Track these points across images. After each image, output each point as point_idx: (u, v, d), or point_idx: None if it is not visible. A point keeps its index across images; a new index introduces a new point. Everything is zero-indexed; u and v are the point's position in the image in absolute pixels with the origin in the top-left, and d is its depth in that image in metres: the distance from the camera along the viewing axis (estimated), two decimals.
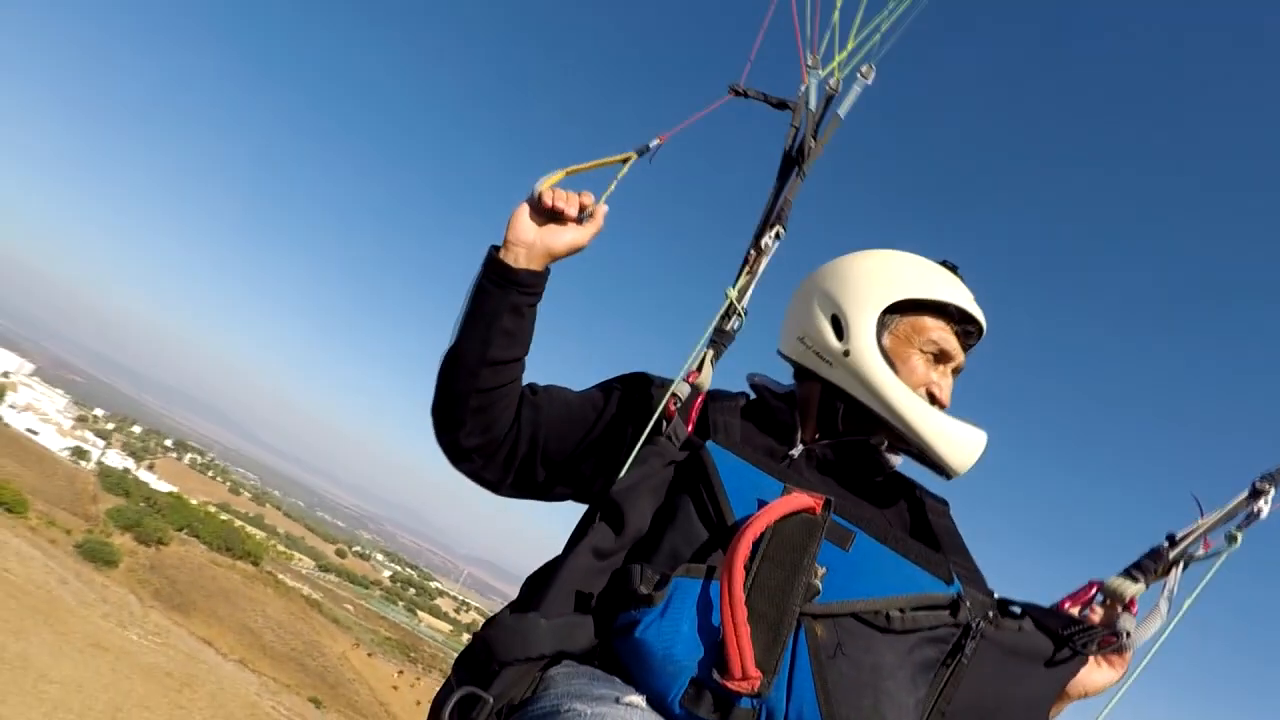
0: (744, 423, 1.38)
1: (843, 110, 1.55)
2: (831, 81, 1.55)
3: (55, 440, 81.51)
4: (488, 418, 1.31)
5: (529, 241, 1.30)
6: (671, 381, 1.36)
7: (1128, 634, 1.24)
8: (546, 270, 1.33)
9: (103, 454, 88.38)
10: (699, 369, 1.35)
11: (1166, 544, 1.30)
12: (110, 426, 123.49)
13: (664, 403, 1.29)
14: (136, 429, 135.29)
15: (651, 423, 1.28)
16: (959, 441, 1.31)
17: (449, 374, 1.31)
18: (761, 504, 1.12)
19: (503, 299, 1.28)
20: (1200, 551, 1.27)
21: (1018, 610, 1.24)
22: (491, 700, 1.04)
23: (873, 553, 1.15)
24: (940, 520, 1.37)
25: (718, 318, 1.38)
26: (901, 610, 1.11)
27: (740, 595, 1.02)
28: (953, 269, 1.42)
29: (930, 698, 1.14)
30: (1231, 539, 1.25)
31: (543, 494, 1.42)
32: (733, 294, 1.39)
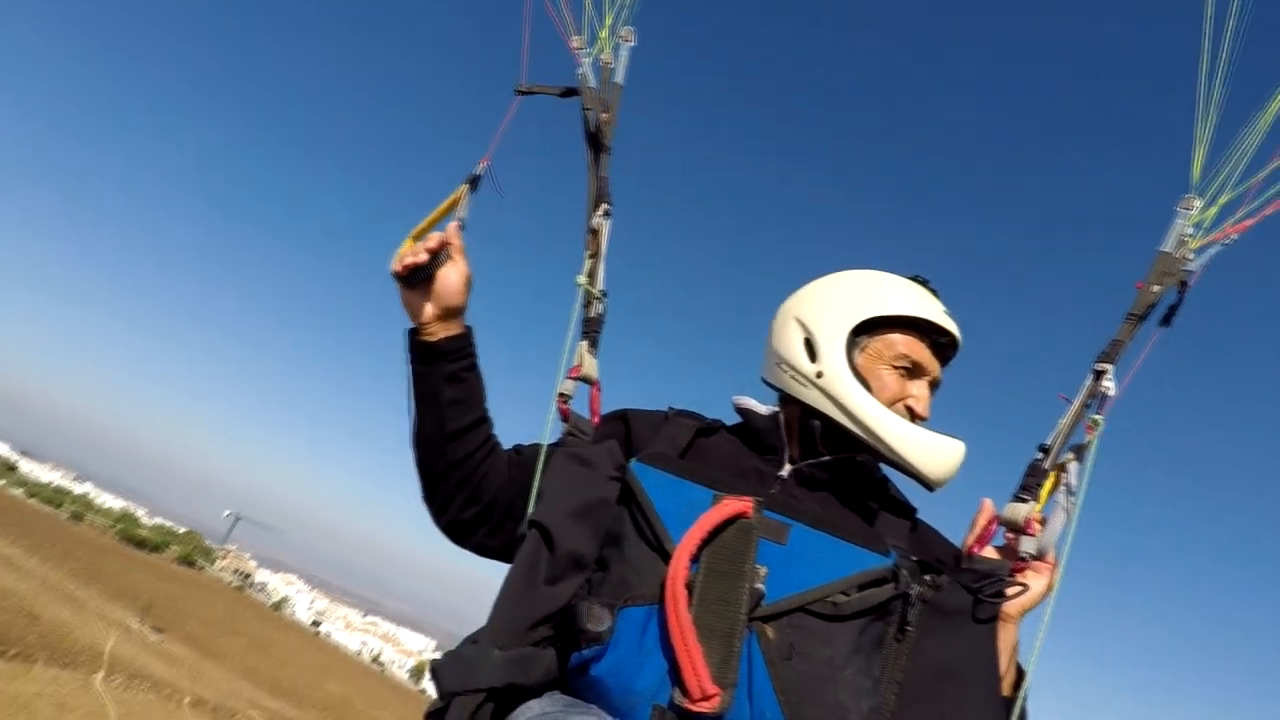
0: (727, 442, 1.43)
1: (620, 78, 1.64)
2: (603, 57, 1.65)
3: None
4: (472, 486, 1.34)
5: (430, 315, 1.32)
6: (652, 411, 1.46)
7: (1031, 556, 1.26)
8: (467, 329, 1.35)
9: None
10: (580, 363, 1.42)
11: (1041, 455, 1.33)
12: None
13: (553, 403, 1.36)
14: None
15: (547, 427, 1.36)
16: (933, 452, 1.32)
17: (422, 461, 1.35)
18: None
19: (437, 375, 1.31)
20: (1086, 438, 1.30)
21: (937, 571, 1.25)
22: None
23: (809, 541, 1.16)
24: (892, 510, 1.38)
25: (577, 308, 1.45)
26: (846, 593, 1.12)
27: (686, 616, 1.05)
28: (923, 283, 1.45)
29: (886, 672, 1.16)
30: (1095, 424, 1.31)
31: None
32: (582, 280, 1.46)
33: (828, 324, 1.38)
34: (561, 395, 1.39)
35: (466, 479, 1.34)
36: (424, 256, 1.31)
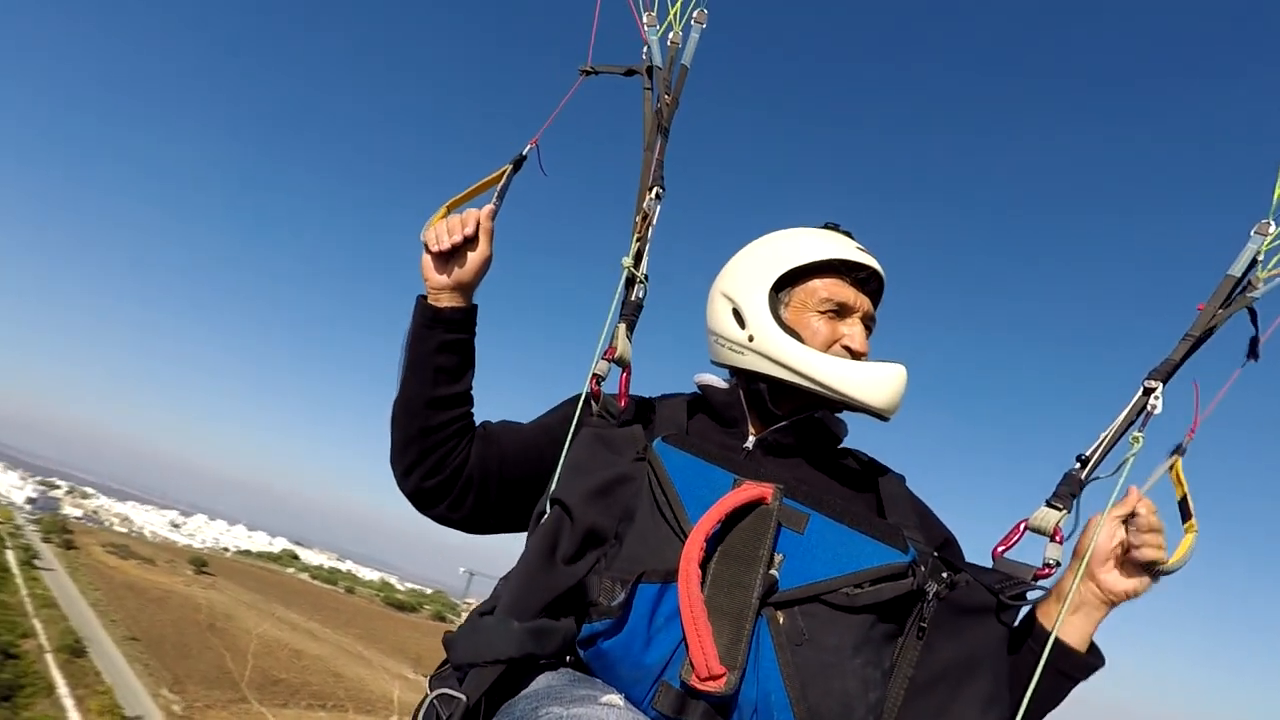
0: (699, 420, 1.43)
1: (687, 60, 1.65)
2: (671, 36, 1.66)
3: None
4: (440, 455, 1.36)
5: (444, 284, 1.38)
6: (640, 396, 1.44)
7: (1056, 563, 1.24)
8: (472, 306, 1.40)
9: None
10: (615, 344, 1.41)
11: (1078, 465, 1.30)
12: None
13: (587, 382, 1.38)
14: None
15: (581, 403, 1.37)
16: (874, 382, 1.31)
17: (399, 420, 1.37)
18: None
19: (434, 339, 1.36)
20: (1185, 441, 1.28)
21: (955, 569, 1.22)
22: (464, 699, 1.06)
23: (828, 532, 1.15)
24: (892, 488, 1.37)
25: (620, 289, 1.44)
26: (860, 586, 1.11)
27: (698, 596, 1.05)
28: (834, 227, 1.45)
29: (898, 666, 1.14)
30: (1135, 440, 1.26)
31: (524, 525, 1.40)
32: (628, 262, 1.45)
33: (748, 289, 1.39)
34: (595, 376, 1.39)
35: (434, 449, 1.36)
36: (460, 238, 1.36)
